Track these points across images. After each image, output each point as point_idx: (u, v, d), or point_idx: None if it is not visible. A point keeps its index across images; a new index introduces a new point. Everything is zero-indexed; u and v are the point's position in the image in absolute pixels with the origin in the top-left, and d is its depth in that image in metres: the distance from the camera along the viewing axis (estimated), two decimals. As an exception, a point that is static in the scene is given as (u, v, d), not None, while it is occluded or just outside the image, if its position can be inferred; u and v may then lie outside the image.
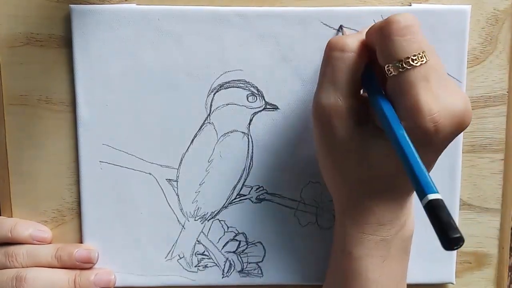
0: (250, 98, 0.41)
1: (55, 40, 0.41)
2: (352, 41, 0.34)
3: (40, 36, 0.41)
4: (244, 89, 0.41)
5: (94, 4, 0.40)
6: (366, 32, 0.35)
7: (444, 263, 0.43)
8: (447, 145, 0.34)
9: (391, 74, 0.32)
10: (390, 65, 0.32)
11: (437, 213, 0.28)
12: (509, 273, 0.45)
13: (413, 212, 0.38)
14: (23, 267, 0.40)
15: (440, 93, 0.32)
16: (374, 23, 0.35)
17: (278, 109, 0.41)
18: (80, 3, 0.40)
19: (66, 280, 0.40)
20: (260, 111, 0.41)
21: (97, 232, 0.42)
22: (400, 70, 0.32)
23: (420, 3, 0.41)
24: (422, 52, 0.32)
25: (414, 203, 0.37)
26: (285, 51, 0.41)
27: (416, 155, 0.30)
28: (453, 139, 0.33)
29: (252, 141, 0.42)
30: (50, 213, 0.43)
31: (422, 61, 0.32)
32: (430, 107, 0.31)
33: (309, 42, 0.40)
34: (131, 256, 0.43)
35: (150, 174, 0.42)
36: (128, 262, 0.43)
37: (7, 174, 0.42)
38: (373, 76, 0.35)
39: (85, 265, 0.41)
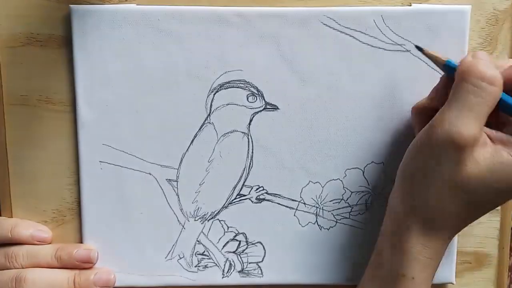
0: (250, 98, 0.41)
1: (55, 40, 0.41)
2: (497, 73, 0.34)
3: (40, 36, 0.41)
4: (244, 89, 0.41)
5: (94, 4, 0.40)
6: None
7: (444, 263, 0.43)
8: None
9: None
10: None
11: None
12: (509, 273, 0.46)
13: None
14: (22, 268, 0.40)
15: None
16: None
17: (278, 109, 0.41)
18: (80, 3, 0.40)
19: (66, 280, 0.40)
20: (260, 111, 0.41)
21: (97, 232, 0.42)
22: None
23: (420, 3, 0.41)
24: None
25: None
26: (285, 51, 0.41)
27: None
28: None
29: (252, 141, 0.42)
30: (50, 213, 0.43)
31: None
32: None
33: (309, 42, 0.40)
34: (131, 256, 0.43)
35: (150, 174, 0.42)
36: (128, 262, 0.43)
37: (7, 174, 0.42)
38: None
39: (85, 265, 0.41)
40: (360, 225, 0.43)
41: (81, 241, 0.43)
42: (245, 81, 0.41)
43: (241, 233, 0.43)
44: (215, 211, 0.43)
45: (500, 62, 0.36)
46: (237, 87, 0.41)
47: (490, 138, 0.35)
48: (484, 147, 0.34)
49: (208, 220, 0.43)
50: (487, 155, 0.34)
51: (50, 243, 0.42)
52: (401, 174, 0.37)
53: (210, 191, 0.42)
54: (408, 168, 0.36)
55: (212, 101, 0.41)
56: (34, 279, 0.39)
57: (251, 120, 0.42)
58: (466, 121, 0.33)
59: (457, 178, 0.34)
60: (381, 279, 0.37)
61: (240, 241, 0.43)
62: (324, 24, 0.40)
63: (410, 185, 0.36)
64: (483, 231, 0.44)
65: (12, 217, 0.42)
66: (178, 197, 0.42)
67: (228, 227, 0.43)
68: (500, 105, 0.35)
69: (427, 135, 0.35)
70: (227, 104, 0.41)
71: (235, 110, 0.41)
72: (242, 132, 0.42)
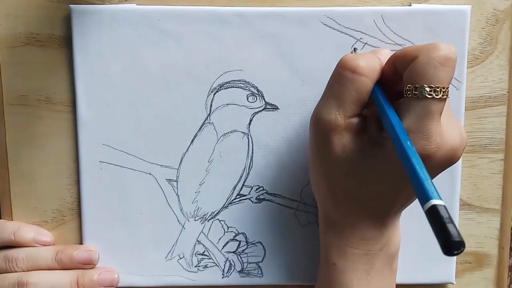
0: (250, 98, 0.41)
1: (55, 40, 0.41)
2: (366, 63, 0.35)
3: (40, 36, 0.41)
4: (244, 89, 0.41)
5: (94, 4, 0.40)
6: (395, 56, 0.35)
7: (444, 263, 0.43)
8: (433, 177, 0.35)
9: (412, 95, 0.33)
10: (418, 86, 0.33)
11: (437, 218, 0.28)
12: (509, 273, 0.46)
13: (399, 232, 0.39)
14: (23, 271, 0.40)
15: (445, 126, 0.34)
16: (403, 49, 0.35)
17: (278, 109, 0.41)
18: (80, 3, 0.40)
19: (69, 282, 0.40)
20: (260, 111, 0.41)
21: (97, 232, 0.42)
22: (428, 96, 0.32)
23: (420, 3, 0.41)
24: (447, 88, 0.33)
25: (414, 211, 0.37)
26: (285, 51, 0.41)
27: (421, 162, 0.31)
28: (439, 173, 0.35)
29: (252, 141, 0.42)
30: (50, 213, 0.43)
31: (445, 96, 0.33)
32: (436, 139, 0.33)
33: (309, 42, 0.40)
34: (131, 256, 0.43)
35: (150, 174, 0.42)
36: (128, 262, 0.43)
37: (7, 174, 0.42)
38: (380, 90, 0.35)
39: (86, 266, 0.41)
40: (360, 225, 0.43)
41: (81, 242, 0.43)
42: (245, 81, 0.41)
43: (241, 233, 0.43)
44: (215, 211, 0.43)
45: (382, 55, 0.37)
46: (237, 87, 0.41)
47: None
48: (354, 135, 0.35)
49: (208, 220, 0.43)
50: (353, 143, 0.35)
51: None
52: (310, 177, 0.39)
53: (210, 191, 0.42)
54: (309, 167, 0.39)
55: (212, 101, 0.41)
56: (37, 282, 0.39)
57: (251, 120, 0.42)
58: (328, 107, 0.35)
59: (329, 161, 0.36)
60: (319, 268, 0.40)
61: (240, 241, 0.43)
62: (324, 24, 0.40)
63: (312, 184, 0.39)
64: (483, 231, 0.44)
65: (12, 217, 0.42)
66: (178, 197, 0.42)
67: (228, 227, 0.43)
68: (372, 95, 0.35)
69: (309, 127, 0.37)
70: (227, 104, 0.41)
71: (235, 110, 0.41)
72: (242, 132, 0.42)
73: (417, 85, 0.32)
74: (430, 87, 0.32)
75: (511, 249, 0.45)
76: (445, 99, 0.33)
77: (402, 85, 0.34)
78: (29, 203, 0.42)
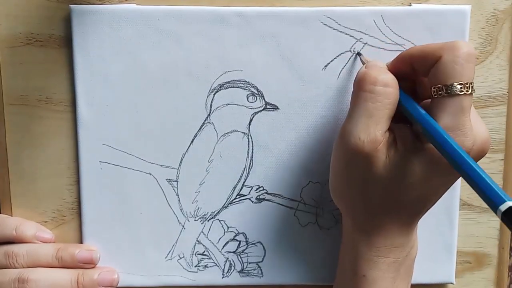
0: (250, 98, 0.41)
1: (55, 40, 0.41)
2: (391, 76, 0.35)
3: (40, 36, 0.41)
4: (244, 89, 0.41)
5: (94, 4, 0.40)
6: (408, 55, 0.36)
7: (444, 263, 0.43)
8: None
9: (441, 95, 0.33)
10: (447, 85, 0.33)
11: None
12: (509, 273, 0.46)
13: (417, 234, 0.39)
14: (23, 268, 0.40)
15: (476, 121, 0.35)
16: (413, 46, 0.36)
17: (278, 109, 0.41)
18: (80, 3, 0.40)
19: (69, 280, 0.40)
20: (260, 111, 0.41)
21: (97, 232, 0.42)
22: (459, 92, 0.33)
23: (420, 3, 0.41)
24: (472, 83, 0.34)
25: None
26: (285, 51, 0.41)
27: (478, 165, 0.31)
28: None
29: (252, 141, 0.42)
30: (50, 213, 0.43)
31: (472, 91, 0.34)
32: (472, 133, 0.34)
33: (309, 42, 0.40)
34: (131, 256, 0.43)
35: (150, 174, 0.42)
36: (128, 262, 0.43)
37: (7, 174, 0.42)
38: (407, 97, 0.36)
39: (87, 265, 0.41)
40: (360, 225, 0.43)
41: (81, 241, 0.43)
42: (245, 81, 0.41)
43: (241, 233, 0.43)
44: (215, 211, 0.43)
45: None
46: (237, 87, 0.41)
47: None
48: (390, 149, 0.35)
49: (208, 220, 0.43)
50: (391, 157, 0.35)
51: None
52: (332, 190, 0.39)
53: (210, 191, 0.42)
54: (334, 183, 0.38)
55: (212, 101, 0.41)
56: (37, 279, 0.39)
57: (251, 120, 0.42)
58: (365, 127, 0.34)
59: (369, 180, 0.35)
60: (341, 279, 0.40)
61: (240, 241, 0.43)
62: (324, 24, 0.40)
63: (340, 198, 0.38)
64: (483, 231, 0.44)
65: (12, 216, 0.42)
66: (178, 197, 0.42)
67: (228, 227, 0.43)
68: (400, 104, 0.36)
69: (338, 147, 0.37)
70: (227, 104, 0.41)
71: (235, 110, 0.41)
72: (242, 132, 0.42)
73: (447, 84, 0.33)
74: (460, 84, 0.33)
75: (511, 249, 0.45)
76: (472, 93, 0.34)
77: (423, 84, 0.35)
78: (29, 203, 0.42)
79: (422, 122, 0.34)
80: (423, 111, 0.34)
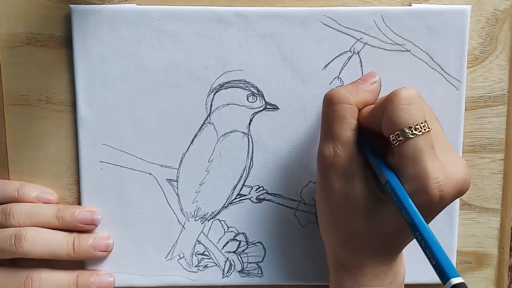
0: (250, 98, 0.41)
1: (56, 40, 0.41)
2: (340, 93, 0.36)
3: (40, 36, 0.41)
4: (244, 89, 0.41)
5: (94, 4, 0.40)
6: (370, 112, 0.36)
7: (444, 263, 0.43)
8: (442, 209, 0.35)
9: (398, 143, 0.33)
10: (398, 132, 0.33)
11: None
12: (509, 273, 0.46)
13: (404, 259, 0.39)
14: (20, 226, 0.40)
15: (444, 161, 0.34)
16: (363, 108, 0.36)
17: (278, 109, 0.41)
18: (80, 3, 0.40)
19: (65, 242, 0.40)
20: (260, 111, 0.41)
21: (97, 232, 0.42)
22: (410, 136, 0.33)
23: (420, 3, 0.41)
24: (426, 121, 0.33)
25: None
26: (285, 51, 0.41)
27: (435, 238, 0.31)
28: (449, 203, 0.35)
29: (252, 141, 0.42)
30: (50, 213, 0.43)
31: (428, 129, 0.33)
32: (437, 175, 0.33)
33: (309, 42, 0.41)
34: (131, 256, 0.43)
35: (150, 174, 0.42)
36: (128, 262, 0.43)
37: (7, 174, 0.42)
38: (374, 147, 0.36)
39: (87, 226, 0.41)
40: (360, 225, 0.43)
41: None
42: (245, 81, 0.41)
43: (241, 233, 0.43)
44: (215, 211, 0.43)
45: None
46: (237, 87, 0.41)
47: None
48: (355, 169, 0.36)
49: (208, 220, 0.43)
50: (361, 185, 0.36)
51: None
52: (319, 225, 0.40)
53: (210, 191, 0.42)
54: (318, 213, 0.39)
55: (212, 101, 0.41)
56: (34, 237, 0.39)
57: (251, 120, 0.42)
58: (324, 143, 0.36)
59: (331, 198, 0.36)
60: None
61: (240, 241, 0.43)
62: (324, 24, 0.40)
63: (322, 231, 0.39)
64: (483, 231, 0.44)
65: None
66: (178, 197, 0.42)
67: (228, 227, 0.43)
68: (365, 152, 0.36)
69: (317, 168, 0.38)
70: (227, 104, 0.41)
71: (235, 110, 0.41)
72: (242, 132, 0.42)
73: (398, 132, 0.33)
74: (409, 128, 0.33)
75: (511, 249, 0.45)
76: (429, 131, 0.33)
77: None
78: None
79: (383, 179, 0.34)
80: (385, 169, 0.34)
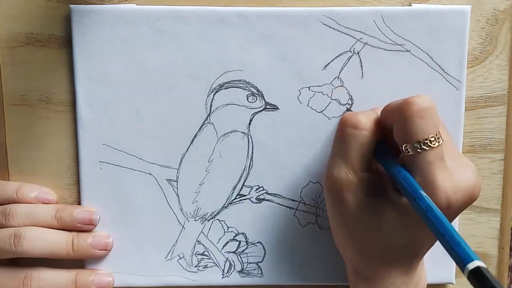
0: (250, 98, 0.41)
1: (55, 40, 0.41)
2: (365, 118, 0.36)
3: (40, 36, 0.41)
4: (244, 89, 0.41)
5: (94, 4, 0.40)
6: (382, 111, 0.36)
7: (444, 263, 0.43)
8: (456, 217, 0.36)
9: (409, 154, 0.33)
10: (408, 145, 0.33)
11: (483, 280, 0.28)
12: (509, 273, 0.46)
13: (425, 267, 0.39)
14: (20, 226, 0.40)
15: (453, 170, 0.34)
16: (390, 102, 0.36)
17: (278, 109, 0.42)
18: (80, 3, 0.40)
19: (65, 241, 0.40)
20: (260, 111, 0.41)
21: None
22: (419, 150, 0.33)
23: (420, 3, 0.41)
24: (438, 133, 0.33)
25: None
26: (285, 51, 0.41)
27: (450, 224, 0.31)
28: (461, 212, 0.35)
29: (252, 141, 0.42)
30: (50, 213, 0.43)
31: (439, 142, 0.33)
32: (445, 185, 0.33)
33: (310, 43, 0.41)
34: (131, 256, 0.43)
35: (150, 174, 0.42)
36: (128, 262, 0.43)
37: (7, 174, 0.42)
38: (387, 152, 0.36)
39: (86, 226, 0.41)
40: (360, 225, 0.43)
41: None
42: (245, 81, 0.41)
43: (241, 233, 0.43)
44: (215, 211, 0.43)
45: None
46: (237, 87, 0.41)
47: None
48: (364, 191, 0.36)
49: (208, 220, 0.43)
50: (361, 196, 0.36)
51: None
52: (333, 236, 0.40)
53: (210, 191, 0.42)
54: (331, 226, 0.40)
55: (212, 101, 0.41)
56: (33, 236, 0.39)
57: (251, 120, 0.42)
58: (337, 166, 0.36)
59: (342, 216, 0.37)
60: None
61: (240, 241, 0.43)
62: (324, 24, 0.40)
63: (337, 243, 0.40)
64: (483, 231, 0.44)
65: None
66: (178, 197, 0.42)
67: (228, 227, 0.43)
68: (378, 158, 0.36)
69: (323, 184, 0.39)
70: (227, 104, 0.41)
71: (235, 110, 0.41)
72: (242, 132, 0.42)
73: (408, 144, 0.33)
74: (418, 142, 0.33)
75: (511, 249, 0.45)
76: (440, 144, 0.33)
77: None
78: (29, 203, 0.42)
79: (395, 181, 0.34)
80: (398, 167, 0.34)
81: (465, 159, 0.36)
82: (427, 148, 0.33)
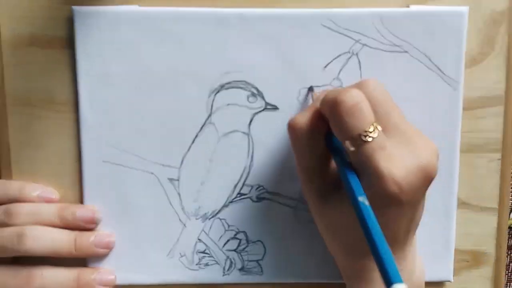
0: (251, 99, 0.42)
1: (58, 41, 0.41)
2: (302, 118, 0.36)
3: (43, 37, 0.41)
4: (245, 89, 0.41)
5: (96, 5, 0.40)
6: (320, 105, 0.35)
7: (442, 262, 0.43)
8: (422, 198, 0.35)
9: (351, 150, 0.33)
10: (346, 141, 0.33)
11: None
12: (507, 272, 0.46)
13: (420, 261, 0.39)
14: (23, 225, 0.40)
15: (401, 154, 0.33)
16: (326, 94, 0.35)
17: (278, 109, 0.42)
18: (83, 5, 0.40)
19: (67, 240, 0.40)
20: (261, 111, 0.42)
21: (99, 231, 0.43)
22: (358, 144, 0.33)
23: (418, 4, 0.41)
24: (373, 125, 0.33)
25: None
26: (285, 52, 0.41)
27: (383, 239, 0.30)
28: (425, 192, 0.35)
29: (252, 141, 0.42)
30: (53, 212, 0.43)
31: (373, 134, 0.33)
32: (390, 172, 0.32)
33: (309, 44, 0.41)
34: (132, 254, 0.43)
35: (151, 173, 0.42)
36: (130, 261, 0.43)
37: (10, 174, 0.42)
38: (338, 145, 0.35)
39: (88, 225, 0.41)
40: (359, 224, 0.43)
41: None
42: (246, 81, 0.41)
43: (241, 232, 0.43)
44: (216, 210, 0.43)
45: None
46: (238, 88, 0.41)
47: None
48: (325, 185, 0.37)
49: (209, 219, 0.43)
50: (326, 194, 0.37)
51: None
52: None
53: (211, 190, 0.42)
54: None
55: (213, 101, 0.42)
56: (36, 235, 0.39)
57: (251, 120, 0.42)
58: (297, 169, 0.38)
59: (318, 216, 0.38)
60: None
61: (240, 240, 0.43)
62: (324, 25, 0.41)
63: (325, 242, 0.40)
64: (481, 230, 0.44)
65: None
66: (180, 196, 0.43)
67: (228, 226, 0.43)
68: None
69: None
70: (227, 105, 0.42)
71: (235, 110, 0.42)
72: (243, 132, 0.42)
73: (346, 141, 0.33)
74: (353, 138, 0.33)
75: (508, 248, 0.45)
76: (378, 135, 0.33)
77: None
78: (32, 202, 0.43)
79: (342, 180, 0.34)
80: (343, 168, 0.34)
81: (419, 138, 0.35)
82: (364, 143, 0.33)
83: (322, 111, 0.35)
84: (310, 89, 0.41)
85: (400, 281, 0.28)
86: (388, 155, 0.33)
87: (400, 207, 0.33)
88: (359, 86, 0.34)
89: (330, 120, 0.34)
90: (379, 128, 0.33)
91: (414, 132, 0.35)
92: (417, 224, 0.37)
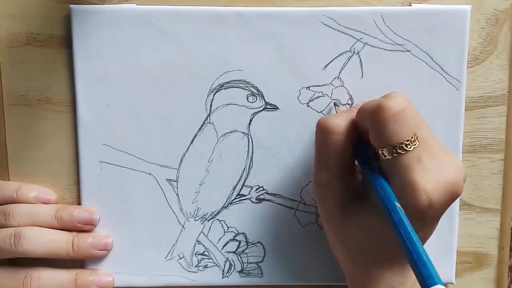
0: (250, 98, 0.41)
1: (55, 40, 0.41)
2: (340, 122, 0.35)
3: (40, 36, 0.41)
4: (244, 89, 0.41)
5: (94, 4, 0.40)
6: (357, 113, 0.35)
7: (444, 263, 0.43)
8: (442, 214, 0.35)
9: (385, 158, 0.33)
10: (384, 149, 0.33)
11: None
12: (509, 273, 0.46)
13: None
14: (20, 226, 0.40)
15: (433, 168, 0.33)
16: (365, 103, 0.35)
17: (278, 109, 0.42)
18: (80, 3, 0.40)
19: (65, 241, 0.40)
20: (260, 111, 0.42)
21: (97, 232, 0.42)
22: (394, 154, 0.33)
23: (420, 3, 0.41)
24: (415, 135, 0.33)
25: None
26: (285, 51, 0.41)
27: (419, 244, 0.30)
28: (447, 209, 0.35)
29: (252, 141, 0.42)
30: (50, 213, 0.43)
31: (415, 145, 0.32)
32: (425, 186, 0.32)
33: (309, 42, 0.41)
34: (131, 256, 0.43)
35: (150, 174, 0.42)
36: (128, 262, 0.43)
37: (7, 174, 0.42)
38: (366, 153, 0.35)
39: (86, 226, 0.41)
40: (360, 225, 0.43)
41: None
42: (245, 81, 0.41)
43: (241, 233, 0.43)
44: (215, 211, 0.43)
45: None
46: (237, 87, 0.41)
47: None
48: (349, 193, 0.36)
49: (208, 220, 0.43)
50: (346, 200, 0.36)
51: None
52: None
53: (210, 191, 0.42)
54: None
55: (212, 101, 0.41)
56: (33, 236, 0.39)
57: (251, 120, 0.42)
58: (319, 171, 0.36)
59: (330, 220, 0.37)
60: None
61: (240, 241, 0.43)
62: (324, 24, 0.40)
63: (333, 250, 0.40)
64: (483, 231, 0.44)
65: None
66: (178, 197, 0.42)
67: (228, 227, 0.43)
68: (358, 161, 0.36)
69: None
70: (227, 104, 0.41)
71: (235, 110, 0.41)
72: (242, 132, 0.42)
73: (384, 148, 0.33)
74: (393, 147, 0.32)
75: (511, 249, 0.45)
76: (417, 146, 0.32)
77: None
78: (29, 203, 0.42)
79: (371, 184, 0.34)
80: (375, 174, 0.34)
81: (447, 155, 0.35)
82: (402, 152, 0.32)
83: (358, 119, 0.35)
84: (335, 104, 0.41)
85: (441, 282, 0.29)
86: (423, 169, 0.33)
87: (425, 221, 0.34)
88: (386, 98, 0.34)
89: (370, 127, 0.33)
90: (419, 139, 0.33)
91: (442, 148, 0.35)
92: (428, 238, 0.37)
